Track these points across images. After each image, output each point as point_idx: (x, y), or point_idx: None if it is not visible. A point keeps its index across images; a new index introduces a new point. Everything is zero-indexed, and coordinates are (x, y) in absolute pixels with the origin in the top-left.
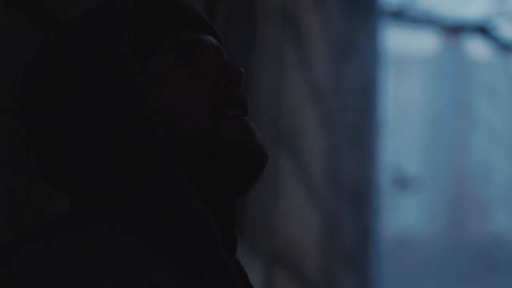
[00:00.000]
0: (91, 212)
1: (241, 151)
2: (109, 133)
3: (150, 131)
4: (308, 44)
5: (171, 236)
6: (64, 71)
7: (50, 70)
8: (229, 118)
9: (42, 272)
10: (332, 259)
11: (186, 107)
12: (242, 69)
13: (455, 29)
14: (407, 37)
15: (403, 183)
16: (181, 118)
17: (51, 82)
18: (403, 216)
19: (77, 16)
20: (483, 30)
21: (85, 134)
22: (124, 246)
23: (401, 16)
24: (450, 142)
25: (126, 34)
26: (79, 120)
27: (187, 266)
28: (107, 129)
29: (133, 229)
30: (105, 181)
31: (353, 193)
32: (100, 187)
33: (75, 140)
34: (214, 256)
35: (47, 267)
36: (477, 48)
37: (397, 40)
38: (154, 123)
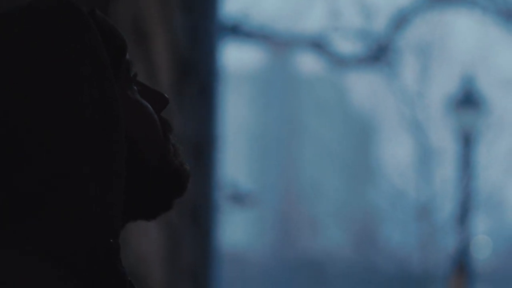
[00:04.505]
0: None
1: (181, 174)
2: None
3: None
4: (155, 60)
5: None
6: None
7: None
8: (172, 144)
9: None
10: (176, 276)
11: (150, 130)
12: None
13: (289, 44)
14: (238, 52)
15: (238, 198)
16: (147, 141)
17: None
18: (234, 232)
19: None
20: (317, 44)
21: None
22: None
23: (237, 31)
24: (279, 158)
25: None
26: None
27: None
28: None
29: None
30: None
31: (193, 209)
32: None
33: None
34: None
35: None
36: (307, 63)
37: (230, 56)
38: (123, 143)
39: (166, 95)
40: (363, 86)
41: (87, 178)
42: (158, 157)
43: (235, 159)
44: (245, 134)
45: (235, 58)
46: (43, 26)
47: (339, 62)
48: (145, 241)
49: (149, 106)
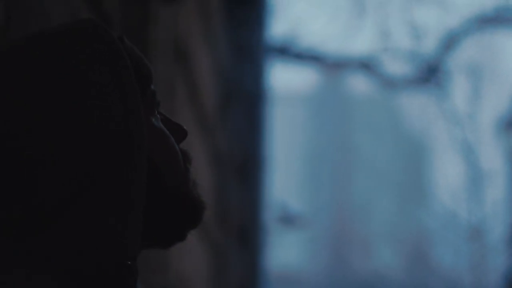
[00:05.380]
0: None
1: (198, 206)
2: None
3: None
4: (198, 80)
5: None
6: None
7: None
8: (191, 175)
9: None
10: None
11: (173, 158)
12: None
13: (338, 66)
14: (288, 73)
15: (288, 220)
16: (168, 169)
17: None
18: (286, 253)
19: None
20: (367, 66)
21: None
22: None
23: (285, 52)
24: (331, 179)
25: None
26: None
27: None
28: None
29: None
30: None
31: (241, 230)
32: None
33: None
34: None
35: None
36: (358, 85)
37: (279, 77)
38: (144, 167)
39: (185, 127)
40: (414, 108)
41: (104, 200)
42: (177, 186)
43: (287, 181)
44: (297, 156)
45: (286, 79)
46: (74, 49)
47: (389, 83)
48: (189, 261)
49: (171, 136)
